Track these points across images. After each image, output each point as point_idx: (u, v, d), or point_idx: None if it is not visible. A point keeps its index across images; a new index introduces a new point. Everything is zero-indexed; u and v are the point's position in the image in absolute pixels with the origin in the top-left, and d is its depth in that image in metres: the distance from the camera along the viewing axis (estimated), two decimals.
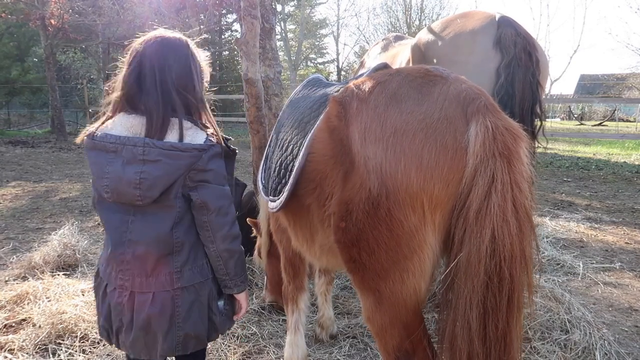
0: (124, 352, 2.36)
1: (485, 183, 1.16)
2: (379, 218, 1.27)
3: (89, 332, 2.53)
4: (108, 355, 2.37)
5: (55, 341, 2.44)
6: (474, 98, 1.26)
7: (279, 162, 1.78)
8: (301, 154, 1.61)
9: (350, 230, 1.34)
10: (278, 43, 5.22)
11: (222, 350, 2.42)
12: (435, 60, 2.78)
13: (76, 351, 2.38)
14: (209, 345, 2.42)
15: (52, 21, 13.21)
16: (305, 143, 1.61)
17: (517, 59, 2.57)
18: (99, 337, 2.52)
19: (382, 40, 4.26)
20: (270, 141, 2.03)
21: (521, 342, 1.25)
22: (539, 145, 2.78)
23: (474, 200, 1.16)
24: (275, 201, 1.78)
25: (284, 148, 1.77)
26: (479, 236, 1.15)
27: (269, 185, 1.89)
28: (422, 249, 1.26)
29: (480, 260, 1.14)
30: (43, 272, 3.38)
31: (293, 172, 1.63)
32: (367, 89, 1.41)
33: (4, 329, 2.58)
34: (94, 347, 2.44)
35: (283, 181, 1.71)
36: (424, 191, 1.22)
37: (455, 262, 1.19)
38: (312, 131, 1.60)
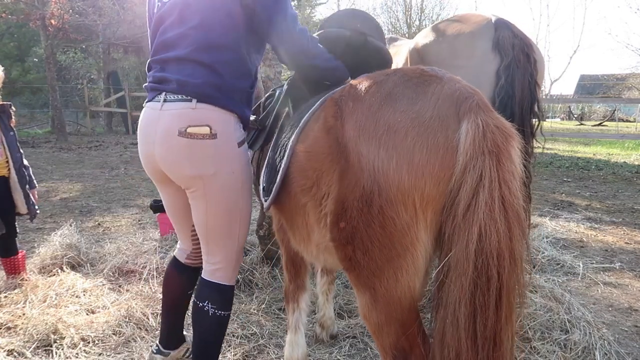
0: (125, 353, 2.38)
1: (474, 180, 1.16)
2: (372, 216, 1.28)
3: (89, 333, 2.54)
4: (108, 355, 2.38)
5: (55, 342, 2.44)
6: (467, 97, 1.27)
7: (271, 164, 1.83)
8: (287, 153, 1.64)
9: (344, 229, 1.35)
10: None
11: (222, 350, 2.42)
12: (434, 65, 2.80)
13: (77, 352, 2.38)
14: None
15: (53, 21, 13.22)
16: (290, 144, 1.64)
17: (516, 61, 2.60)
18: (98, 337, 2.53)
19: None
20: (271, 145, 2.06)
21: (514, 342, 1.24)
22: (538, 144, 2.80)
23: (463, 197, 1.16)
24: (267, 201, 1.81)
25: (277, 150, 1.81)
26: (466, 233, 1.15)
27: (265, 187, 1.93)
28: (414, 247, 1.27)
29: (468, 257, 1.14)
30: (44, 272, 3.39)
31: (280, 171, 1.67)
32: (363, 89, 1.43)
33: (4, 330, 2.59)
34: (95, 348, 2.44)
35: (273, 180, 1.75)
36: (415, 189, 1.22)
37: (445, 260, 1.20)
38: (298, 130, 1.63)
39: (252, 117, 2.13)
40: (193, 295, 1.92)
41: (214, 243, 1.85)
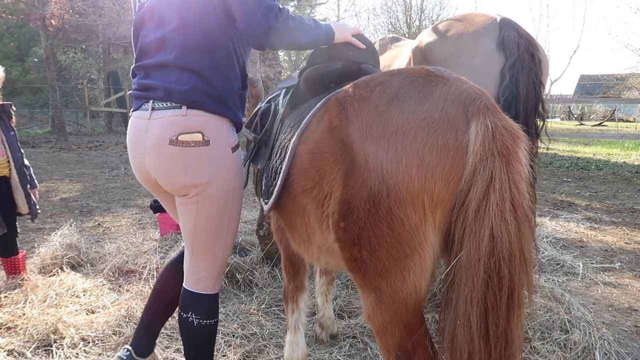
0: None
1: (484, 182, 1.16)
2: (380, 216, 1.27)
3: (89, 333, 2.53)
4: (108, 356, 2.38)
5: (55, 342, 2.44)
6: (474, 98, 1.27)
7: (272, 166, 1.82)
8: (287, 154, 1.64)
9: (351, 229, 1.35)
10: None
11: (222, 350, 2.42)
12: (437, 64, 2.80)
13: (77, 352, 2.38)
14: None
15: (53, 21, 13.21)
16: (290, 145, 1.63)
17: (521, 60, 2.60)
18: (98, 337, 2.53)
19: (379, 40, 4.25)
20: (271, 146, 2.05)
21: (522, 340, 1.25)
22: (542, 144, 2.80)
23: (473, 199, 1.17)
24: (267, 203, 1.80)
25: (277, 152, 1.81)
26: (478, 235, 1.15)
27: (265, 190, 1.92)
28: (423, 248, 1.27)
29: (479, 258, 1.15)
30: (44, 272, 3.39)
31: (280, 173, 1.66)
32: (368, 89, 1.42)
33: (4, 330, 2.59)
34: (95, 348, 2.44)
35: (273, 183, 1.74)
36: (424, 190, 1.22)
37: (455, 260, 1.20)
38: (299, 131, 1.63)
39: (252, 135, 2.10)
40: (178, 307, 1.85)
41: (201, 250, 1.77)
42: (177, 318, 2.72)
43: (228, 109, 1.68)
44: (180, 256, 2.03)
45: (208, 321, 1.81)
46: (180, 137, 1.58)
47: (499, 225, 1.15)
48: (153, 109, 1.61)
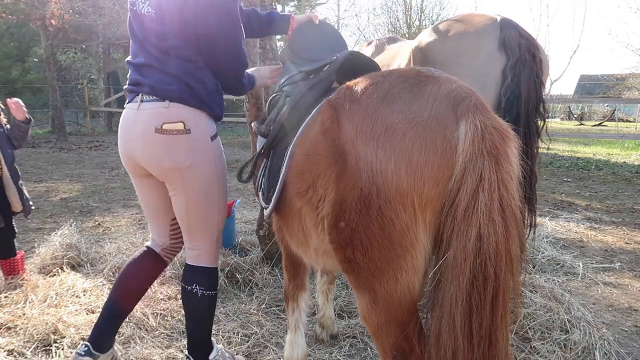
0: (123, 354, 2.37)
1: (474, 181, 1.17)
2: (371, 217, 1.28)
3: (89, 333, 2.53)
4: (109, 355, 2.37)
5: (55, 342, 2.44)
6: (464, 97, 1.27)
7: (271, 170, 1.84)
8: (286, 157, 1.65)
9: (344, 231, 1.35)
10: (278, 43, 5.23)
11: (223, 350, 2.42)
12: (438, 64, 2.79)
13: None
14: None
15: (53, 21, 13.21)
16: (290, 147, 1.64)
17: (522, 60, 2.61)
18: None
19: (376, 40, 4.25)
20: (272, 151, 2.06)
21: (508, 341, 1.26)
22: (544, 144, 2.80)
23: (462, 198, 1.17)
24: (267, 208, 1.83)
25: (278, 156, 1.82)
26: (465, 234, 1.16)
27: (265, 193, 1.93)
28: (414, 247, 1.27)
29: (466, 258, 1.16)
30: (44, 272, 3.38)
31: (280, 176, 1.68)
32: (359, 90, 1.43)
33: (4, 330, 2.59)
34: None
35: (273, 187, 1.76)
36: (414, 189, 1.23)
37: (442, 259, 1.21)
38: (298, 134, 1.64)
39: (262, 126, 2.13)
40: (182, 281, 2.10)
41: (195, 230, 2.02)
42: (176, 318, 2.74)
43: (205, 104, 1.90)
44: (152, 246, 2.27)
45: (210, 292, 2.07)
46: (165, 126, 1.82)
47: (487, 226, 1.15)
48: (142, 101, 1.85)
